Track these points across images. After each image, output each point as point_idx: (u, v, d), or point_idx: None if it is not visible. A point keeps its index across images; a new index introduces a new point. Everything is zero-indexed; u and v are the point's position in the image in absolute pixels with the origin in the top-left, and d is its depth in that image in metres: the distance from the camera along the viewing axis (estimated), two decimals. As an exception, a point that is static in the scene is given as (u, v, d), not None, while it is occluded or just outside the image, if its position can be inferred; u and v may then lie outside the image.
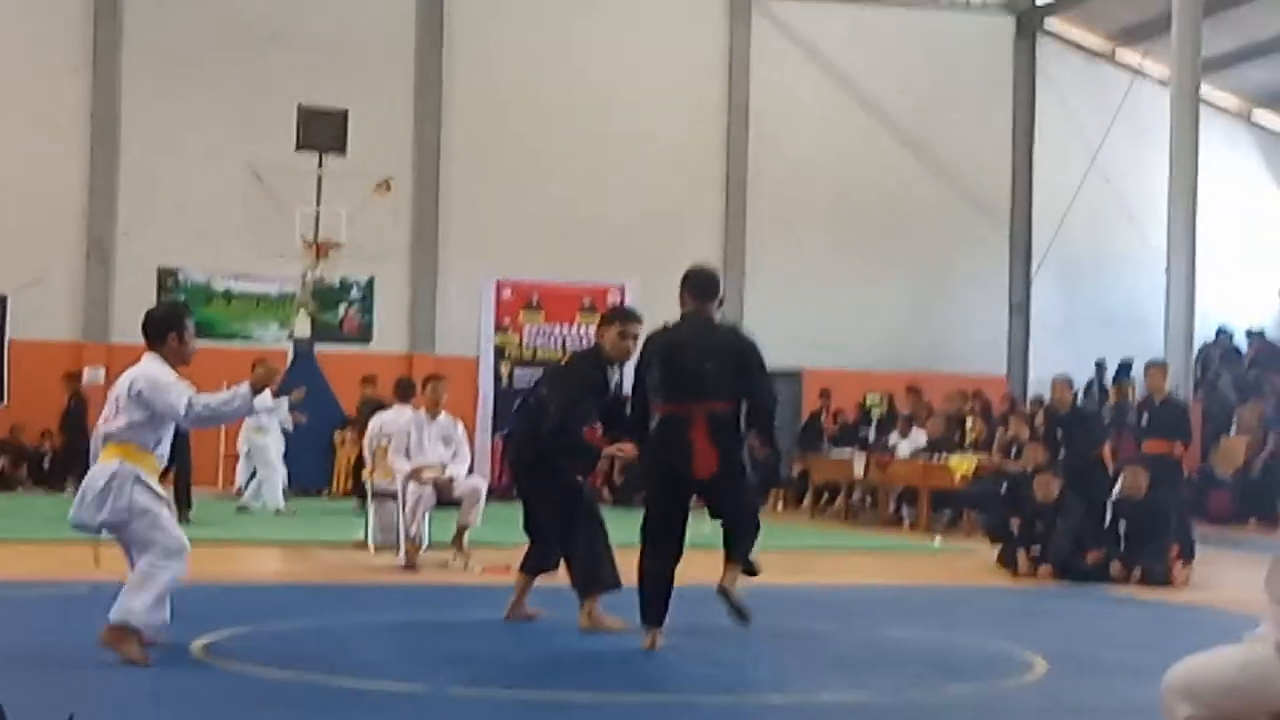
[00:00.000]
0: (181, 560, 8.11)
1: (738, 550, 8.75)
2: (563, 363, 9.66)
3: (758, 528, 8.96)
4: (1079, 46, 31.30)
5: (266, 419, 20.39)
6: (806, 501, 24.23)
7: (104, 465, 8.13)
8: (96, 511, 8.10)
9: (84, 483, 8.25)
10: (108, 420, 8.23)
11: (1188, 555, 14.18)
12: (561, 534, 9.79)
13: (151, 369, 8.26)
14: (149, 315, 8.58)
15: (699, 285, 8.90)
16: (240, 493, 21.45)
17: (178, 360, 8.37)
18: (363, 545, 14.68)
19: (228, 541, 15.76)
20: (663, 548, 8.77)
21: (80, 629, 9.43)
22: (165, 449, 8.42)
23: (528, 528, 10.07)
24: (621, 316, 9.70)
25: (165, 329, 8.43)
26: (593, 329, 27.10)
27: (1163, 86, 27.17)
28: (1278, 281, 31.47)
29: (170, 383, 8.19)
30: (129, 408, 8.16)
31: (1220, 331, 29.99)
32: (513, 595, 10.05)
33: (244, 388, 8.20)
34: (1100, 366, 28.29)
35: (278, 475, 20.68)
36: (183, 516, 17.76)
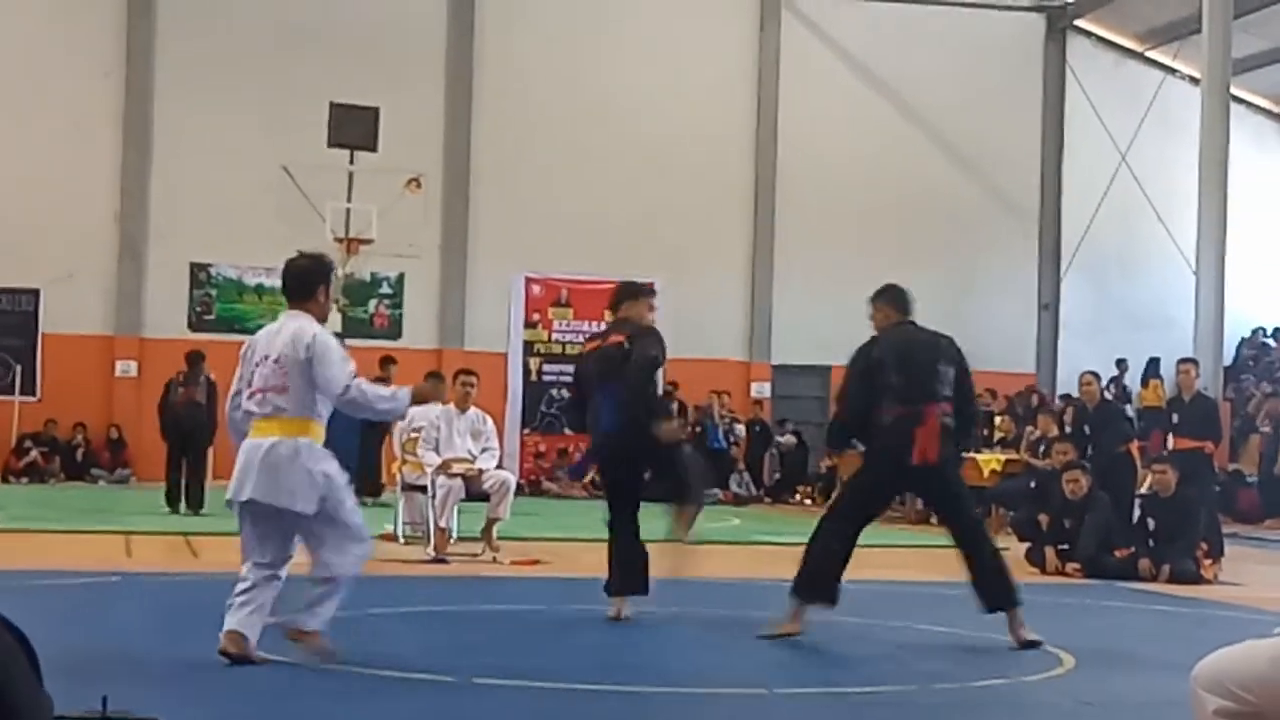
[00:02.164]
0: (368, 546, 7.69)
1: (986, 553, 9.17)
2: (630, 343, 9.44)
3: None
4: (1110, 45, 31.22)
5: None
6: (835, 497, 24.20)
7: (282, 442, 7.42)
8: (281, 493, 7.39)
9: (248, 458, 7.48)
10: (263, 392, 7.50)
11: (1217, 552, 14.16)
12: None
13: (317, 331, 7.54)
14: (293, 269, 7.87)
15: (901, 299, 9.35)
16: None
17: (319, 319, 7.73)
18: (391, 537, 14.74)
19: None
20: (846, 534, 9.04)
21: (112, 618, 9.53)
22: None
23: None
24: (648, 291, 9.98)
25: (315, 282, 7.80)
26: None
27: (1193, 86, 27.12)
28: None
29: (340, 355, 7.58)
30: (296, 374, 7.45)
31: (1255, 331, 29.93)
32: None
33: (404, 392, 7.75)
34: (1121, 365, 28.25)
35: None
36: (193, 508, 17.98)
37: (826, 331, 26.57)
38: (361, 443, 22.92)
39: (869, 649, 9.14)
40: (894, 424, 8.85)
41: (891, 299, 9.34)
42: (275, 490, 7.39)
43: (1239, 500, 23.16)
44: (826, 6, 29.58)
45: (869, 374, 9.08)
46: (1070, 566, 13.97)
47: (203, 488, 18.65)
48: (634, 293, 9.91)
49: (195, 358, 19.53)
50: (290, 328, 7.58)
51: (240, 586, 7.55)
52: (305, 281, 7.79)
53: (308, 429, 7.52)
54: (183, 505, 18.65)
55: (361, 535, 7.63)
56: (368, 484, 21.07)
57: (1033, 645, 8.75)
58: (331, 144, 25.13)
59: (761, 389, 28.69)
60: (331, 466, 7.56)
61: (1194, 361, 17.99)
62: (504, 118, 27.98)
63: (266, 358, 7.55)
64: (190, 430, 18.91)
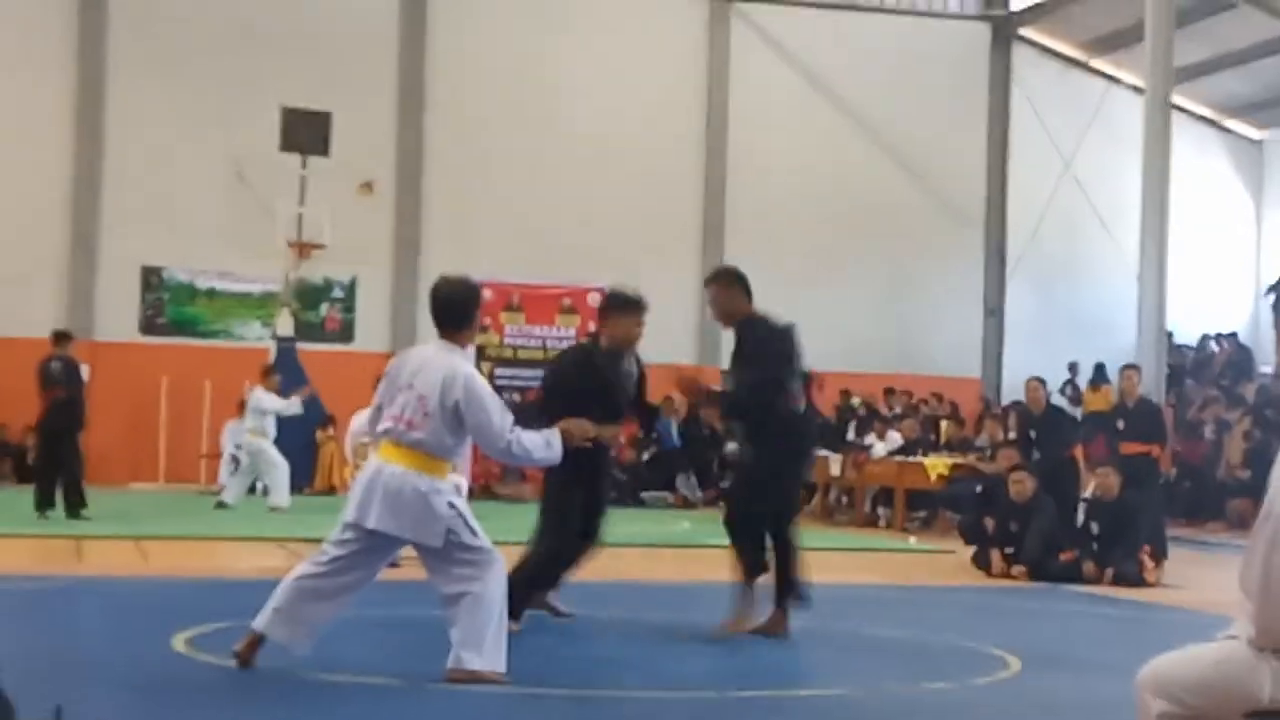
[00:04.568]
0: (501, 566, 7.37)
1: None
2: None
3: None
4: (1054, 54, 31.50)
5: (268, 423, 20.47)
6: (815, 502, 24.35)
7: (408, 474, 7.23)
8: (406, 526, 7.22)
9: (371, 483, 7.30)
10: (401, 421, 7.30)
11: (1160, 555, 14.35)
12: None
13: (468, 374, 7.33)
14: (445, 294, 7.57)
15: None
16: (221, 490, 21.59)
17: (464, 345, 7.53)
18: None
19: (210, 537, 15.85)
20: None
21: (63, 622, 9.53)
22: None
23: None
24: (639, 304, 9.51)
25: (470, 309, 7.60)
26: (572, 330, 27.32)
27: (1136, 94, 27.41)
28: (1255, 284, 31.73)
29: (496, 403, 7.33)
30: (438, 416, 7.24)
31: (1170, 336, 30.20)
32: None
33: (557, 440, 7.53)
34: (1073, 368, 28.52)
35: (284, 473, 20.63)
36: (73, 513, 17.41)
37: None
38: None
39: (817, 652, 9.24)
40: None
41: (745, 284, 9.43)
42: (400, 522, 7.23)
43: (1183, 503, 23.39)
44: (775, 14, 29.74)
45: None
46: (1016, 569, 14.13)
47: (80, 489, 17.61)
48: (622, 304, 9.48)
49: (59, 337, 18.54)
50: (440, 365, 7.36)
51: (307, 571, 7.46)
52: (459, 309, 7.59)
53: (438, 468, 7.36)
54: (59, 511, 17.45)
55: (493, 556, 7.37)
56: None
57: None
58: (284, 148, 25.14)
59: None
60: (457, 500, 7.41)
61: (1136, 367, 18.22)
62: (456, 122, 28.01)
63: (411, 387, 7.36)
64: (57, 427, 17.86)
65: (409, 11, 28.14)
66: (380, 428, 7.43)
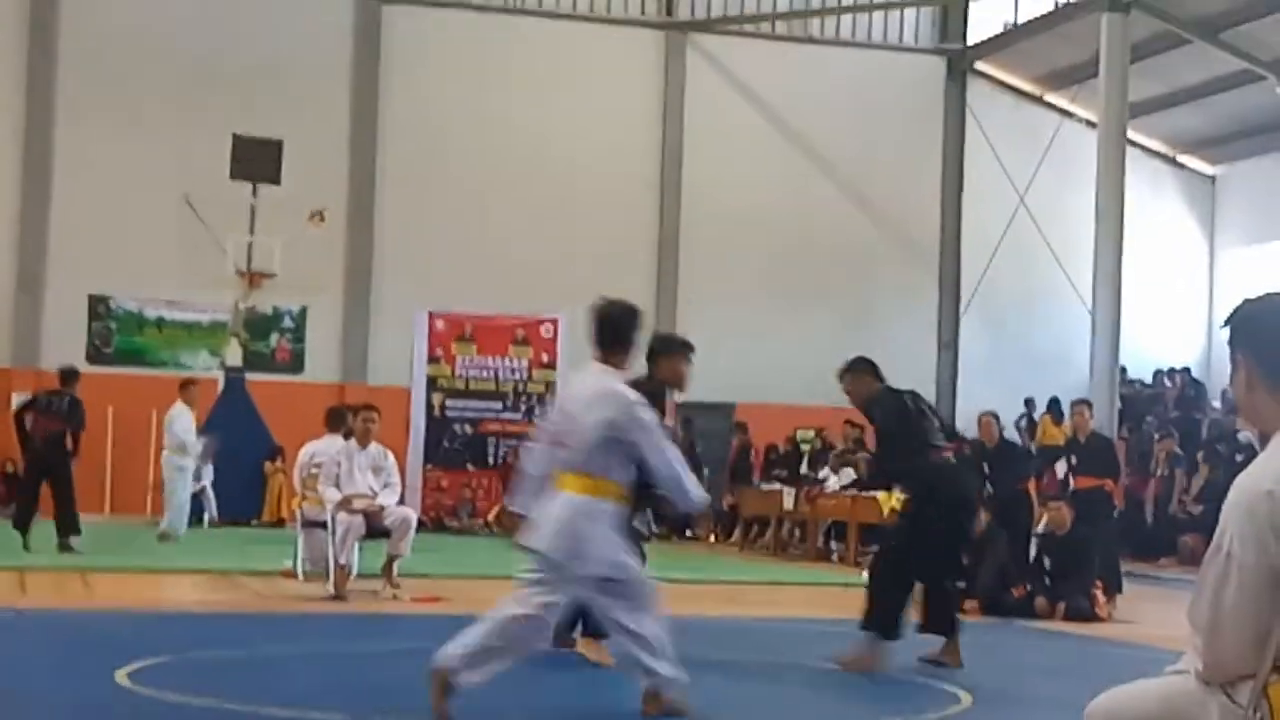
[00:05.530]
0: (653, 591, 7.33)
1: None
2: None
3: None
4: (1009, 88, 31.65)
5: (186, 442, 20.32)
6: (736, 534, 24.31)
7: (575, 499, 7.15)
8: (572, 553, 7.10)
9: (545, 508, 7.20)
10: (559, 444, 7.27)
11: (1114, 589, 14.31)
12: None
13: (627, 396, 7.25)
14: (606, 316, 7.49)
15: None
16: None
17: (620, 368, 7.48)
18: (291, 574, 14.61)
19: (154, 570, 15.66)
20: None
21: (6, 655, 9.37)
22: None
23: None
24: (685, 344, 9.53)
25: (630, 331, 7.52)
26: (524, 361, 27.23)
27: (1090, 129, 27.53)
28: (1207, 318, 31.91)
29: (660, 432, 7.28)
30: (597, 439, 7.16)
31: (1123, 371, 30.32)
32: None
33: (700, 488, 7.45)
34: (1029, 404, 28.55)
35: (179, 500, 20.46)
36: (64, 544, 17.30)
37: (731, 368, 26.67)
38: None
39: (770, 687, 9.15)
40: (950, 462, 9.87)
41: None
42: (565, 549, 7.11)
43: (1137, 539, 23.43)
44: (730, 46, 29.80)
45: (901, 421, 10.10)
46: (969, 604, 14.05)
47: (74, 515, 17.57)
48: (667, 346, 9.45)
49: (68, 375, 18.50)
50: (597, 388, 7.32)
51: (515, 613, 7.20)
52: (620, 331, 7.53)
53: (605, 489, 7.22)
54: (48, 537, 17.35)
55: (643, 589, 7.31)
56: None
57: None
58: (234, 176, 25.01)
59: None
60: (618, 531, 7.27)
61: (1087, 403, 18.22)
62: (409, 152, 27.92)
63: (574, 414, 7.34)
64: (51, 461, 17.75)
65: (362, 40, 28.06)
66: (559, 458, 7.31)
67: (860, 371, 10.30)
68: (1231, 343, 3.75)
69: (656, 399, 9.55)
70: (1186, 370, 30.68)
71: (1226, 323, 3.77)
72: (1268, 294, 3.82)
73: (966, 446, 15.07)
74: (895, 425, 9.86)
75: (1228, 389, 29.13)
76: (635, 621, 7.18)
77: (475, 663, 7.05)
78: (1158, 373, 30.86)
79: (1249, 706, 3.53)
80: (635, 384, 9.47)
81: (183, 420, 20.32)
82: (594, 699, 8.51)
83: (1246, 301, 3.79)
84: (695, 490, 7.37)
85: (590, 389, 7.33)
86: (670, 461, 7.22)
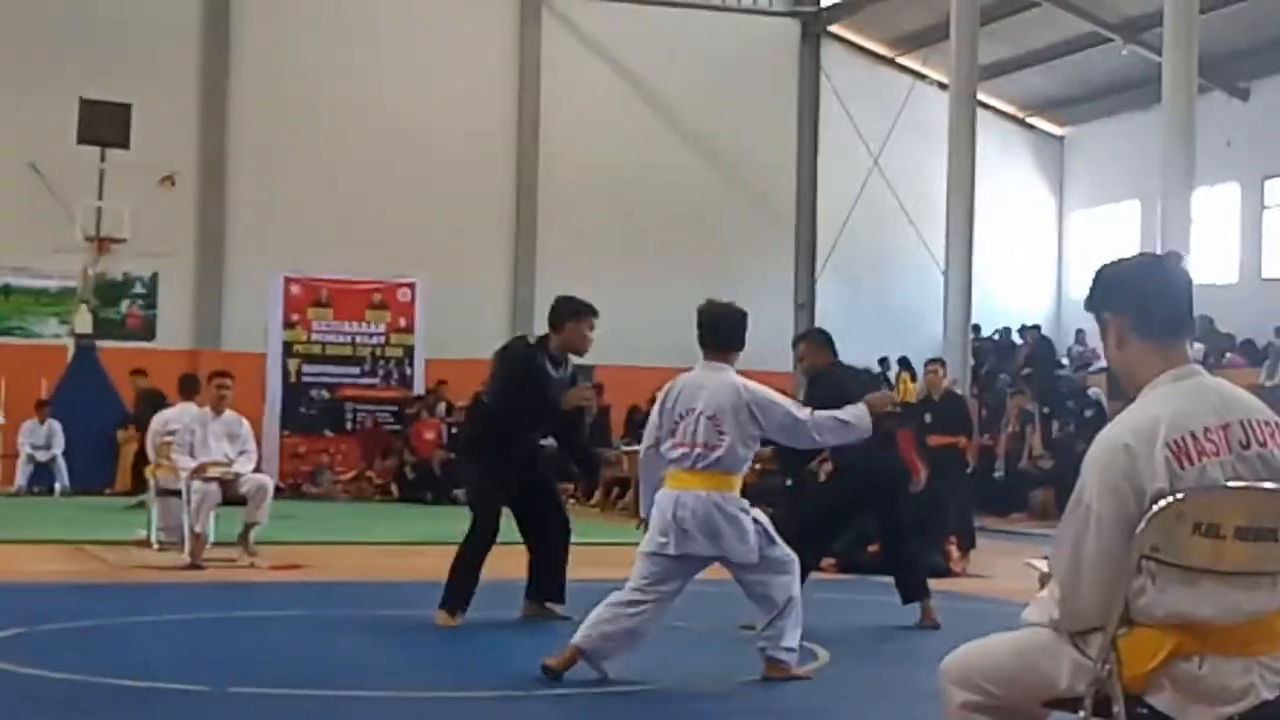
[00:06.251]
0: (794, 565, 7.76)
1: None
2: None
3: None
4: (862, 51, 31.92)
5: None
6: (597, 496, 24.37)
7: (713, 496, 7.44)
8: (726, 547, 7.46)
9: (677, 512, 7.41)
10: (693, 447, 7.46)
11: (968, 545, 14.55)
12: None
13: (747, 383, 7.58)
14: (717, 317, 7.86)
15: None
16: (20, 491, 21.12)
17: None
18: (145, 543, 14.42)
19: (6, 540, 15.37)
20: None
21: None
22: None
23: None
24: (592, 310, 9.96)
25: (741, 332, 7.85)
26: (383, 326, 27.04)
27: (942, 91, 27.90)
28: (1056, 276, 32.49)
29: (785, 400, 7.66)
30: (734, 431, 7.46)
31: (976, 329, 30.74)
32: None
33: (863, 411, 7.68)
34: (884, 363, 28.87)
35: None
36: None
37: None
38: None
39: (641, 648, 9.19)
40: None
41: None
42: (719, 544, 7.45)
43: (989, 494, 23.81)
44: (585, 8, 29.72)
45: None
46: (825, 562, 14.21)
47: None
48: (576, 311, 9.84)
49: None
50: (721, 383, 7.56)
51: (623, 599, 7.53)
52: (730, 330, 7.81)
53: (732, 483, 7.57)
54: None
55: (791, 563, 7.74)
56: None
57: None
58: (82, 141, 24.52)
59: (525, 388, 28.60)
60: (757, 512, 7.67)
61: (941, 361, 18.49)
62: (261, 114, 27.56)
63: (693, 411, 7.52)
64: None
65: (212, 1, 27.62)
66: (671, 457, 7.57)
67: (817, 343, 10.69)
68: (1097, 306, 3.86)
69: (558, 364, 9.71)
70: (1036, 328, 31.18)
71: (1091, 290, 3.87)
72: (1123, 258, 3.96)
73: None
74: (831, 400, 9.94)
75: (1073, 346, 29.83)
76: (773, 594, 7.72)
77: (601, 639, 7.52)
78: (1006, 330, 31.31)
79: (1098, 659, 3.62)
80: (536, 347, 9.66)
81: None
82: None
83: (1106, 266, 3.92)
84: (845, 432, 7.78)
85: (718, 387, 7.58)
86: (805, 422, 7.62)
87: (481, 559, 9.68)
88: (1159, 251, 14.78)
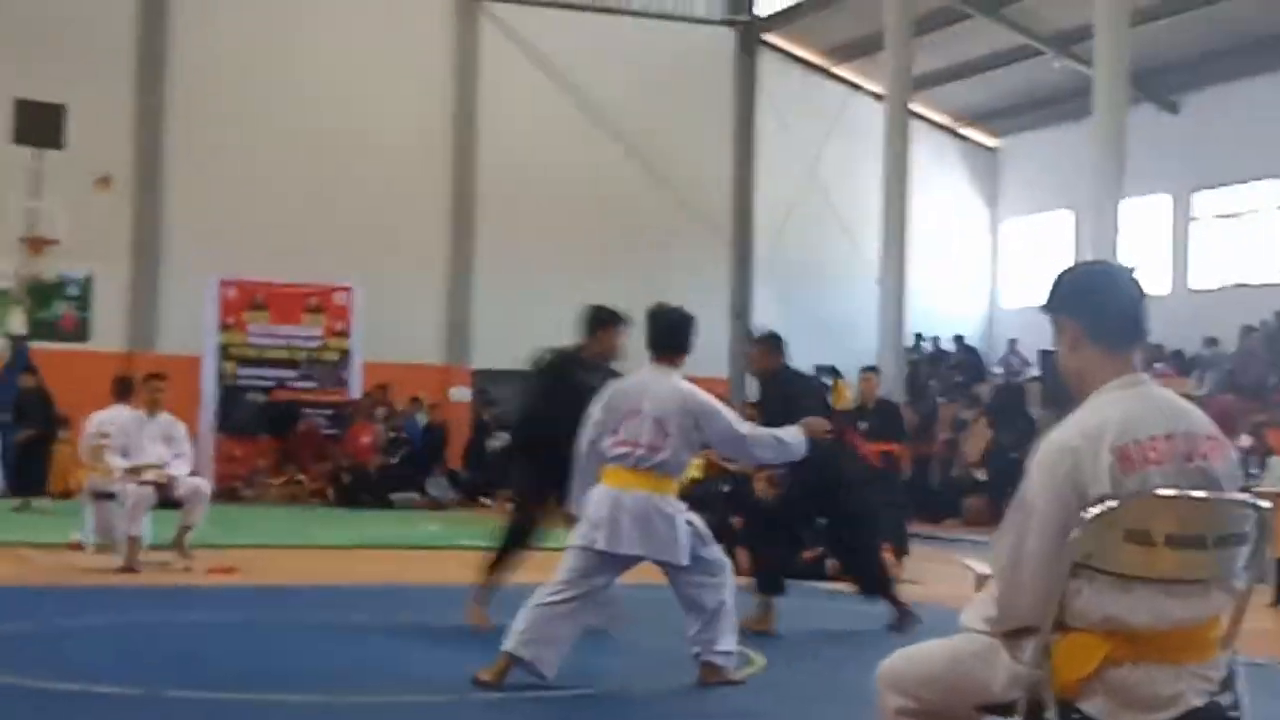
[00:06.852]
0: (728, 568, 7.91)
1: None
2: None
3: None
4: (797, 61, 32.06)
5: None
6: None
7: (650, 497, 7.51)
8: (658, 548, 7.53)
9: (613, 508, 7.48)
10: (636, 446, 7.55)
11: (901, 552, 14.65)
12: None
13: (693, 390, 7.68)
14: (668, 320, 7.94)
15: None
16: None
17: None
18: (78, 546, 14.32)
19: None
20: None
21: None
22: None
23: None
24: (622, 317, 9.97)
25: (690, 337, 7.93)
26: (319, 329, 26.92)
27: (877, 102, 28.08)
28: (990, 286, 32.74)
29: (728, 411, 7.74)
30: (677, 435, 7.56)
31: (919, 337, 30.91)
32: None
33: (798, 434, 7.84)
34: (819, 371, 29.01)
35: None
36: None
37: (527, 336, 26.59)
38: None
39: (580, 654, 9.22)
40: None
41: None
42: (651, 544, 7.52)
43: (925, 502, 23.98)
44: (523, 14, 29.73)
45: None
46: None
47: None
48: (609, 319, 9.97)
49: None
50: (669, 387, 7.68)
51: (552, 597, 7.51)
52: (679, 335, 7.89)
53: (671, 486, 7.68)
54: None
55: (724, 566, 7.85)
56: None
57: None
58: (15, 140, 24.34)
59: (462, 393, 28.58)
60: (691, 514, 7.76)
61: (875, 369, 18.62)
62: (198, 115, 27.40)
63: (639, 412, 7.62)
64: None
65: (147, 1, 27.46)
66: (612, 454, 7.64)
67: (770, 348, 10.86)
68: (1054, 309, 3.95)
69: (591, 369, 9.79)
70: (960, 338, 31.39)
71: (1050, 294, 3.97)
72: (1082, 264, 4.09)
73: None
74: (780, 405, 10.08)
75: (1006, 354, 30.08)
76: (705, 596, 7.87)
77: (529, 643, 7.49)
78: (935, 339, 31.53)
79: (1032, 663, 3.68)
80: (573, 355, 9.78)
81: None
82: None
83: (1065, 271, 4.02)
84: (780, 450, 8.02)
85: (665, 390, 7.69)
86: (743, 435, 7.84)
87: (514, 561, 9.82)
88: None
